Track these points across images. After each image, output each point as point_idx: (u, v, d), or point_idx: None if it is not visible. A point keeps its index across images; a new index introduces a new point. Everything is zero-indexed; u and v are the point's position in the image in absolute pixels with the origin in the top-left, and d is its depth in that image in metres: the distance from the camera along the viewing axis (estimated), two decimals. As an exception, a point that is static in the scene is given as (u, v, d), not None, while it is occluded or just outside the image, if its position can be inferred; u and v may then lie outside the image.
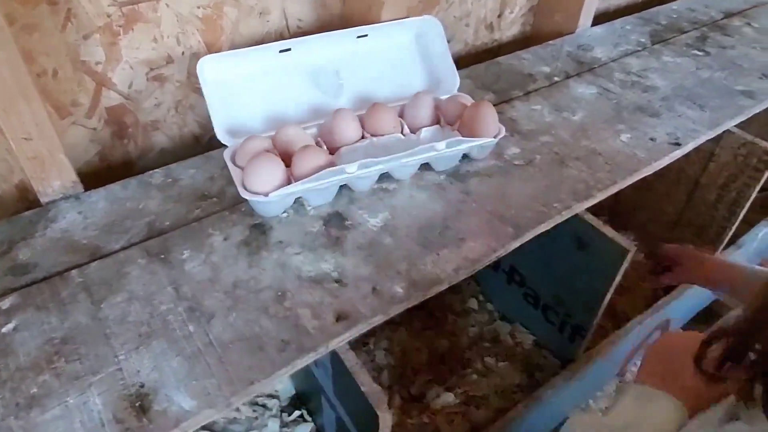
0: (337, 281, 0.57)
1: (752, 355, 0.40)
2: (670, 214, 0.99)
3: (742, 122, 0.87)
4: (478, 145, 0.69)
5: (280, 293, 0.56)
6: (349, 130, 0.68)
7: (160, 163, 0.80)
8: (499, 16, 1.07)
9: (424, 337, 0.89)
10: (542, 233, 0.66)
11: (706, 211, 0.98)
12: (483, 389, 0.83)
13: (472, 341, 0.88)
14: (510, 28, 1.11)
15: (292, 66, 0.73)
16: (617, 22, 1.11)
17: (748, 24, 1.13)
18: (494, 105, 0.84)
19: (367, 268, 0.58)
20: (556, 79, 0.92)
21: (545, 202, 0.67)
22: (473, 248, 0.61)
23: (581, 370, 0.79)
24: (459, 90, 0.80)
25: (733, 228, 0.98)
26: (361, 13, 0.82)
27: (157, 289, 0.55)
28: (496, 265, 0.88)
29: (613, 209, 1.13)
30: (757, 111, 0.88)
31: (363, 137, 0.70)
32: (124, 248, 0.60)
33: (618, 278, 0.68)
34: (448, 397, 0.82)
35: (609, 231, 0.66)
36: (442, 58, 0.80)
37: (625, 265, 0.66)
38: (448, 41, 1.02)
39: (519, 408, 0.79)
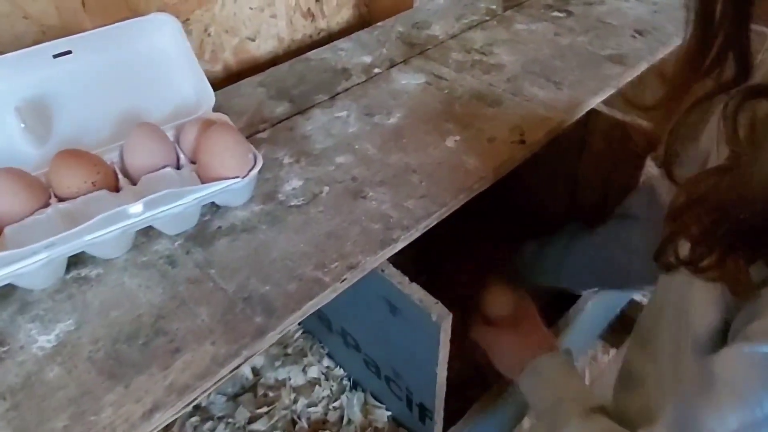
0: (-60, 471, 0.35)
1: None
2: (556, 218, 0.80)
3: (613, 94, 0.68)
4: (217, 191, 0.47)
5: None
6: (10, 200, 0.45)
7: None
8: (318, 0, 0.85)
9: (253, 432, 0.67)
10: (351, 288, 0.45)
11: (597, 208, 0.78)
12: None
13: (314, 427, 0.67)
14: (339, 13, 0.89)
15: (-57, 111, 0.50)
16: (467, -11, 0.91)
17: (622, -29, 0.95)
18: (284, 119, 0.63)
19: (1, 434, 0.36)
20: (376, 71, 0.71)
21: (322, 261, 0.46)
22: (189, 363, 0.39)
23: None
24: (245, 104, 0.58)
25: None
26: (73, 19, 0.59)
27: None
28: (329, 324, 0.67)
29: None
30: (629, 79, 0.69)
31: (48, 202, 0.47)
32: None
33: (443, 353, 0.48)
34: None
35: (417, 292, 0.45)
36: (187, 68, 0.58)
37: (444, 335, 0.45)
38: (252, 40, 0.80)
39: None
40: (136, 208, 0.43)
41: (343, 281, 0.45)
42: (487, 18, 0.82)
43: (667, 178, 0.40)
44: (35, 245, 0.40)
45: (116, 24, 0.56)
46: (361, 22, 0.92)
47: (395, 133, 0.60)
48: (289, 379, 0.70)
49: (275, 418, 0.67)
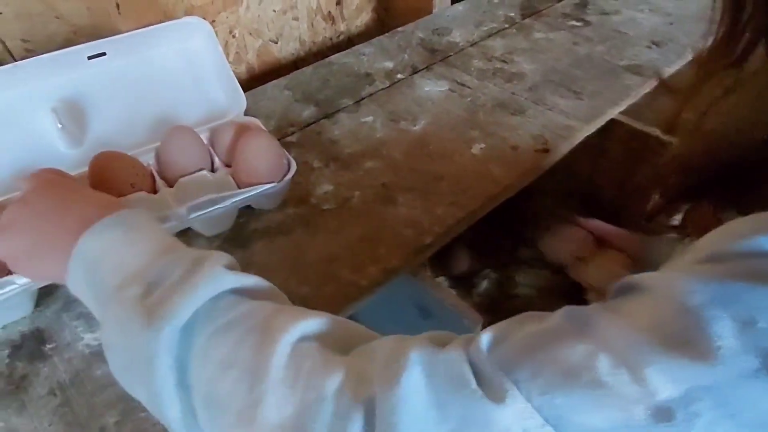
0: (-4, 465, 0.36)
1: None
2: (567, 222, 0.81)
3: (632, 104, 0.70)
4: (253, 196, 0.48)
5: None
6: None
7: None
8: (339, 2, 0.86)
9: None
10: (381, 292, 0.46)
11: (611, 212, 0.80)
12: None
13: None
14: (358, 16, 0.91)
15: (-16, 110, 0.51)
16: (484, -5, 0.92)
17: (636, -19, 0.96)
18: (312, 123, 0.64)
19: (54, 429, 0.37)
20: (399, 76, 0.72)
21: (357, 264, 0.47)
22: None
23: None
24: (272, 107, 0.59)
25: (643, 228, 0.81)
26: (107, 21, 0.59)
27: None
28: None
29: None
30: (647, 90, 0.70)
31: (89, 204, 0.48)
32: None
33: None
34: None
35: (450, 297, 0.47)
36: (217, 72, 0.59)
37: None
38: (274, 42, 0.81)
39: None
40: (180, 212, 0.44)
41: (378, 285, 0.46)
42: (506, 26, 0.83)
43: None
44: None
45: (150, 27, 0.57)
46: (380, 25, 0.93)
47: (421, 140, 0.61)
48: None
49: None
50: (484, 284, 0.83)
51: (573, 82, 0.70)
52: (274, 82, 0.71)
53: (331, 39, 0.88)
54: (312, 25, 0.84)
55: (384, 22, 0.93)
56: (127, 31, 0.56)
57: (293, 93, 0.69)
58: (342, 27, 0.89)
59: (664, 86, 0.46)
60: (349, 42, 0.90)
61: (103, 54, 0.55)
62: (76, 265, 0.32)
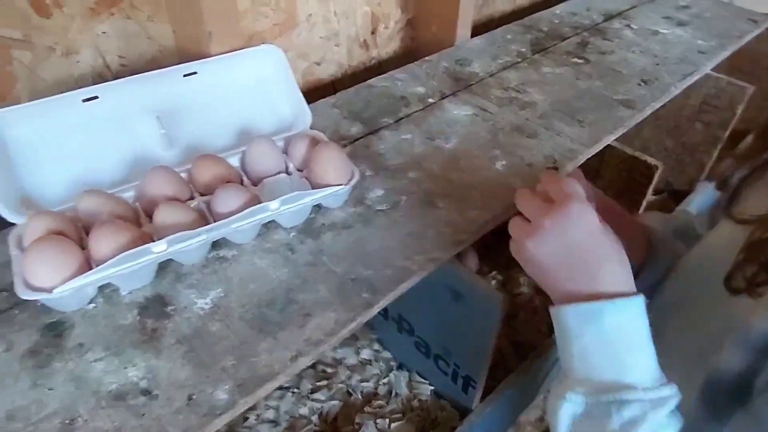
0: (145, 393, 0.46)
1: None
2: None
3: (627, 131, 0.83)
4: (327, 195, 0.60)
5: (68, 421, 0.44)
6: (167, 191, 0.57)
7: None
8: (373, 32, 0.98)
9: (314, 401, 0.79)
10: (420, 281, 0.58)
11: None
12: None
13: (366, 399, 0.79)
14: (389, 44, 1.03)
15: (102, 116, 0.61)
16: (498, 32, 1.05)
17: (629, 26, 1.11)
18: (360, 138, 0.76)
19: (186, 369, 0.48)
20: (430, 100, 0.84)
21: (408, 254, 0.59)
22: (319, 324, 0.52)
23: (477, 422, 0.72)
24: (325, 122, 0.70)
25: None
26: (193, 46, 0.70)
27: None
28: (385, 313, 0.80)
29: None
30: (638, 121, 0.84)
31: (191, 197, 0.59)
32: None
33: (496, 329, 0.61)
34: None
35: (479, 281, 0.59)
36: (288, 92, 0.70)
37: (498, 315, 0.59)
38: (318, 64, 0.93)
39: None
40: (274, 204, 0.55)
41: (425, 270, 0.58)
42: (519, 60, 0.96)
43: (724, 212, 0.50)
44: (199, 229, 0.52)
45: (233, 52, 0.69)
46: (406, 53, 1.06)
47: (453, 156, 0.73)
48: (344, 359, 0.82)
49: (333, 390, 0.79)
50: (492, 283, 0.95)
51: (576, 111, 0.83)
52: (323, 100, 0.82)
53: (364, 63, 1.00)
54: (350, 50, 0.96)
55: (410, 50, 1.06)
56: (215, 55, 0.68)
57: (341, 111, 0.81)
58: (374, 53, 1.01)
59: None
60: (379, 66, 1.02)
61: (195, 73, 0.66)
62: (574, 322, 0.40)
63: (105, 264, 0.48)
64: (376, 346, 0.84)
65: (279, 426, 0.76)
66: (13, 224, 0.55)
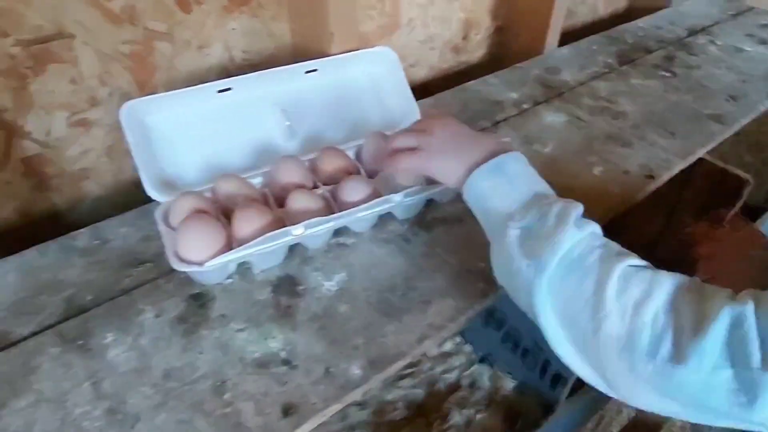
0: (285, 363, 0.50)
1: None
2: (650, 236, 0.95)
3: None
4: (443, 190, 0.63)
5: (219, 383, 0.48)
6: (295, 179, 0.61)
7: (95, 214, 0.72)
8: (465, 38, 1.01)
9: (400, 388, 0.82)
10: None
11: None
12: (464, 444, 0.77)
13: (450, 389, 0.82)
14: (477, 50, 1.06)
15: (233, 107, 0.66)
16: (584, 42, 1.07)
17: (712, 42, 1.11)
18: (459, 139, 0.78)
19: (321, 344, 0.51)
20: (524, 106, 0.87)
21: (517, 251, 0.61)
22: (439, 311, 0.55)
23: (563, 418, 0.74)
24: None
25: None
26: (311, 44, 0.75)
27: (71, 386, 0.47)
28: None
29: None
30: (727, 136, 0.84)
31: (315, 185, 0.63)
32: (34, 333, 0.51)
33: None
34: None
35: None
36: (399, 91, 0.74)
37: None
38: (413, 66, 0.97)
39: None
40: (397, 197, 0.58)
41: (535, 268, 0.60)
42: (606, 70, 0.98)
43: None
44: (331, 216, 0.56)
45: (352, 52, 0.72)
46: (492, 60, 1.08)
47: (552, 160, 0.75)
48: (426, 350, 0.85)
49: (417, 379, 0.82)
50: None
51: (667, 123, 0.85)
52: (421, 101, 0.85)
53: (452, 67, 1.03)
54: (442, 54, 0.99)
55: (495, 56, 1.08)
56: (334, 54, 0.72)
57: (439, 111, 0.84)
58: (463, 58, 1.04)
59: None
60: (466, 70, 1.05)
61: (315, 70, 0.70)
62: (470, 184, 0.51)
63: (251, 242, 0.52)
64: (458, 339, 0.87)
65: (366, 409, 0.80)
66: (146, 202, 0.60)
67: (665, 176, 0.75)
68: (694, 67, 1.01)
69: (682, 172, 0.86)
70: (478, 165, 0.51)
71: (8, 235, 0.66)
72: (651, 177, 0.74)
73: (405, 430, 0.79)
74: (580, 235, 0.45)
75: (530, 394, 0.79)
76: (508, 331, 0.76)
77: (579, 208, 0.47)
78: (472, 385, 0.81)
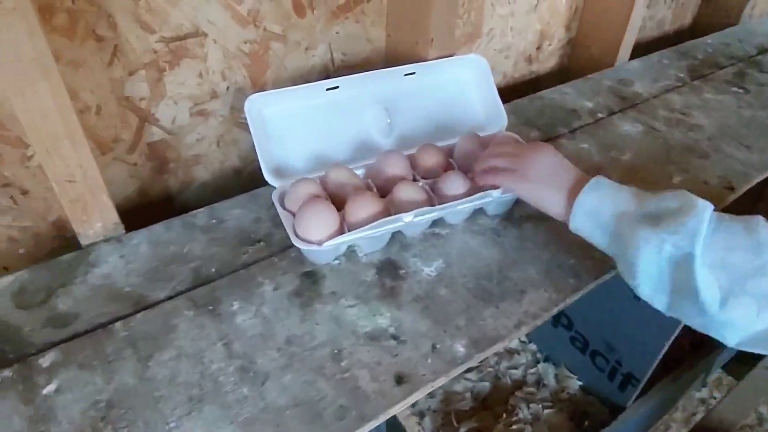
0: (394, 338, 0.54)
1: None
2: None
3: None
4: (533, 189, 0.66)
5: (336, 351, 0.53)
6: (398, 172, 0.65)
7: (200, 197, 0.78)
8: (538, 48, 1.05)
9: (467, 380, 0.86)
10: None
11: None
12: (529, 438, 0.80)
13: (515, 385, 0.85)
14: (548, 60, 1.09)
15: (339, 104, 0.71)
16: (654, 56, 1.10)
17: (785, 60, 1.12)
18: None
19: (425, 323, 0.56)
20: (600, 115, 0.90)
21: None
22: (534, 300, 0.58)
23: (632, 419, 0.76)
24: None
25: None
26: (406, 49, 0.80)
27: (206, 345, 0.52)
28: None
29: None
30: (806, 152, 0.86)
31: (414, 179, 0.68)
32: (170, 297, 0.57)
33: (677, 332, 0.65)
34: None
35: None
36: (489, 96, 0.78)
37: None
38: (486, 73, 1.01)
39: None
40: (496, 192, 0.62)
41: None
42: (679, 84, 1.00)
43: None
44: (437, 207, 0.61)
45: (447, 58, 0.77)
46: (561, 71, 1.12)
47: (630, 168, 0.78)
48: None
49: (483, 373, 0.85)
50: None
51: (743, 137, 0.86)
52: (501, 107, 0.90)
53: (524, 76, 1.07)
54: (515, 63, 1.03)
55: (564, 67, 1.12)
56: (431, 59, 0.77)
57: (517, 117, 0.88)
58: (534, 67, 1.07)
59: None
60: (536, 80, 1.09)
61: (414, 73, 0.75)
62: (580, 203, 0.54)
63: (366, 226, 0.57)
64: (523, 338, 0.90)
65: (435, 398, 0.83)
66: (246, 188, 0.66)
67: (744, 188, 0.77)
68: (766, 85, 1.02)
69: (758, 184, 0.88)
70: (573, 189, 0.56)
71: (131, 213, 0.72)
72: (731, 188, 0.76)
73: (472, 419, 0.83)
74: (710, 206, 0.50)
75: (595, 395, 0.82)
76: (577, 333, 0.79)
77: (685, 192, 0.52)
78: (538, 383, 0.84)
